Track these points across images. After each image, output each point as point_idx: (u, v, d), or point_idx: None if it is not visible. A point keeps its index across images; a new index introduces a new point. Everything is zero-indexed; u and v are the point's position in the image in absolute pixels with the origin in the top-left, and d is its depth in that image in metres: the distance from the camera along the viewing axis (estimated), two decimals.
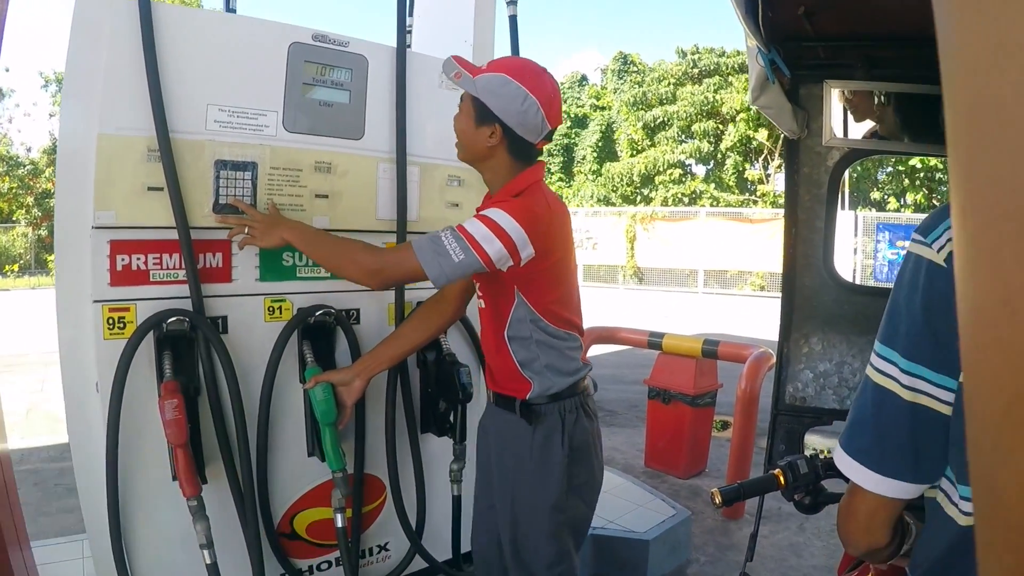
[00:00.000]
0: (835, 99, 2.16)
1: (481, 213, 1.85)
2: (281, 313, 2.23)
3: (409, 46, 3.20)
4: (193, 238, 2.01)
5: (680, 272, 19.81)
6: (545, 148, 2.00)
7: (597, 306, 14.04)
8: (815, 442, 2.26)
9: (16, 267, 22.22)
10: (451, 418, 2.49)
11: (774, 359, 4.15)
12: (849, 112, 2.16)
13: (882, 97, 2.12)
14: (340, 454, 2.20)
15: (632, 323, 6.16)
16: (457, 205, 2.55)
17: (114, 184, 1.90)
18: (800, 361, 2.41)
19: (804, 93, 2.23)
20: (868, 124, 2.18)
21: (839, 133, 2.18)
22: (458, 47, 2.77)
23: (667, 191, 22.56)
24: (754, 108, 2.19)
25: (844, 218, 17.66)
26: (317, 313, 2.24)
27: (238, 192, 2.07)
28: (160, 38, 1.91)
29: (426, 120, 2.47)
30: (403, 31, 2.40)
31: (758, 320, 13.76)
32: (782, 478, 1.48)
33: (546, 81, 1.89)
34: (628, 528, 3.32)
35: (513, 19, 2.86)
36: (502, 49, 2.88)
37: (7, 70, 27.21)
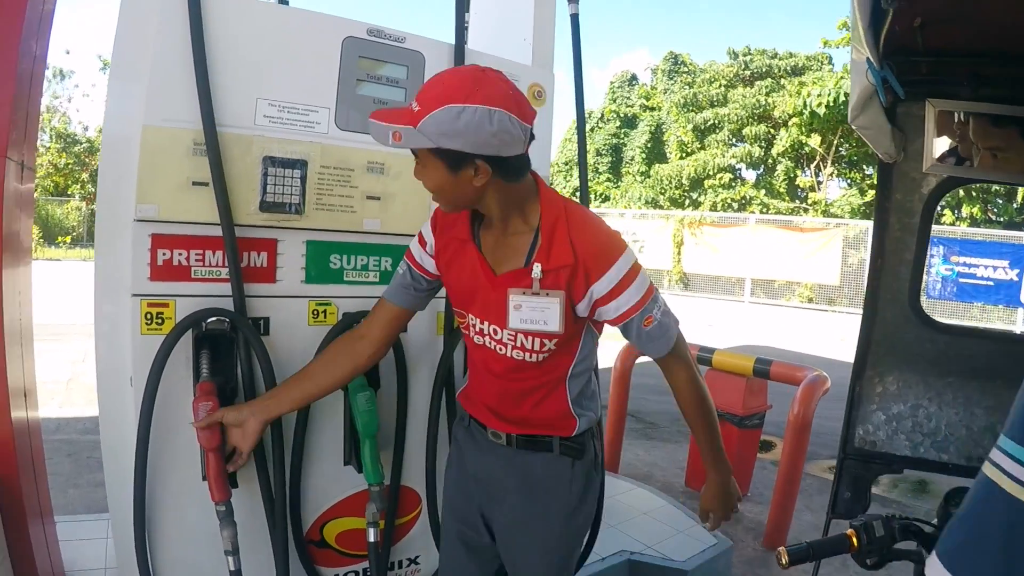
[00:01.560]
0: (938, 120, 2.00)
1: (631, 277, 1.62)
2: (326, 317, 2.16)
3: (465, 43, 3.11)
4: (237, 236, 1.94)
5: (727, 280, 19.41)
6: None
7: None
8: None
9: (68, 239, 22.77)
10: None
11: (828, 384, 3.97)
12: (951, 135, 2.00)
13: (983, 120, 1.96)
14: (379, 467, 2.13)
15: None
16: None
17: (157, 177, 1.84)
18: (873, 401, 2.26)
19: (902, 112, 2.06)
20: (969, 148, 2.02)
21: (939, 157, 2.02)
22: (516, 46, 2.67)
23: (716, 196, 22.17)
24: (853, 127, 2.03)
25: None
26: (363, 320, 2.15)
27: (286, 189, 2.00)
28: (210, 27, 1.84)
29: None
30: (461, 27, 2.31)
31: (805, 333, 13.52)
32: (855, 539, 1.36)
33: (494, 81, 1.50)
34: (667, 556, 3.18)
35: (575, 18, 2.73)
36: (561, 49, 2.77)
37: (67, 52, 27.94)
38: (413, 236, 2.27)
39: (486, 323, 1.71)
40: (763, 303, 18.56)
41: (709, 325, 13.56)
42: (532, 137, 1.59)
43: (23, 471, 2.12)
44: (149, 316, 1.89)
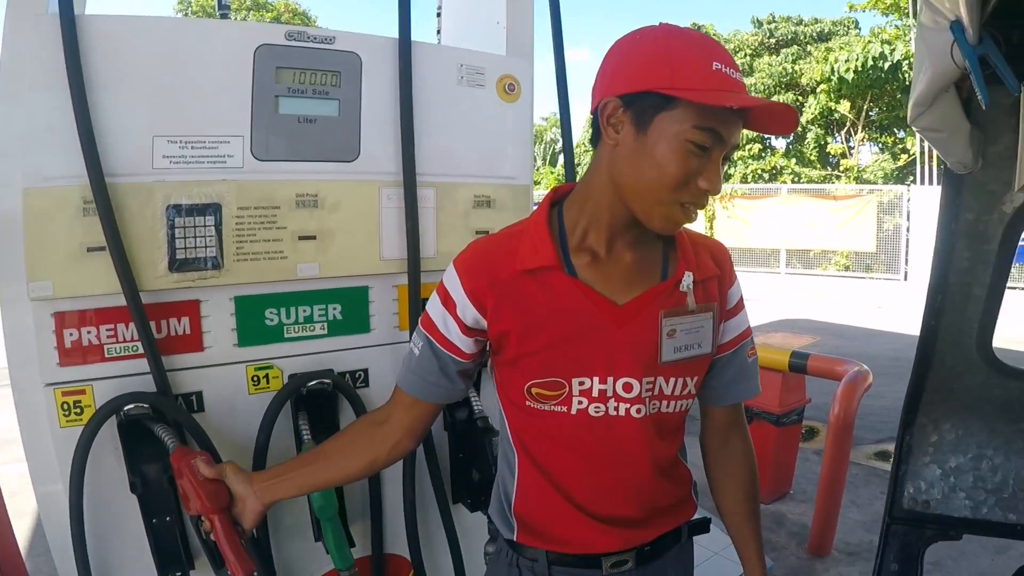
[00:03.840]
0: None
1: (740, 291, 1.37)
2: (269, 382, 1.82)
3: (439, 32, 2.73)
4: (150, 302, 1.62)
5: (761, 252, 18.93)
6: None
7: None
8: None
9: None
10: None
11: (871, 379, 3.53)
12: None
13: None
14: (346, 551, 1.79)
15: None
16: (487, 232, 2.08)
17: (46, 248, 1.53)
18: (925, 453, 1.85)
19: (978, 104, 1.46)
20: None
21: None
22: (490, 31, 2.31)
23: (746, 167, 21.75)
24: (914, 129, 1.56)
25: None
26: (310, 383, 1.82)
27: (199, 241, 1.66)
28: (88, 57, 1.51)
29: (442, 128, 1.97)
30: (407, 15, 1.91)
31: (843, 302, 13.32)
32: None
33: None
34: None
35: None
36: (541, 29, 2.40)
37: None
38: (362, 276, 1.92)
39: (609, 380, 1.20)
40: (799, 273, 18.21)
41: (747, 300, 13.14)
42: None
43: None
44: (66, 407, 1.60)
